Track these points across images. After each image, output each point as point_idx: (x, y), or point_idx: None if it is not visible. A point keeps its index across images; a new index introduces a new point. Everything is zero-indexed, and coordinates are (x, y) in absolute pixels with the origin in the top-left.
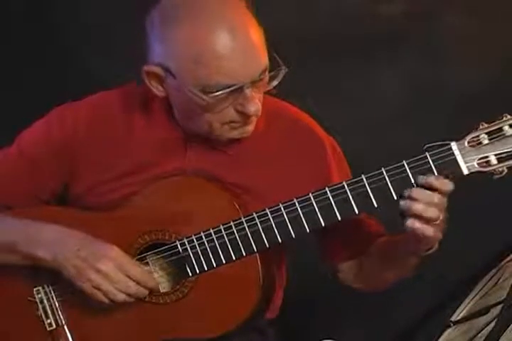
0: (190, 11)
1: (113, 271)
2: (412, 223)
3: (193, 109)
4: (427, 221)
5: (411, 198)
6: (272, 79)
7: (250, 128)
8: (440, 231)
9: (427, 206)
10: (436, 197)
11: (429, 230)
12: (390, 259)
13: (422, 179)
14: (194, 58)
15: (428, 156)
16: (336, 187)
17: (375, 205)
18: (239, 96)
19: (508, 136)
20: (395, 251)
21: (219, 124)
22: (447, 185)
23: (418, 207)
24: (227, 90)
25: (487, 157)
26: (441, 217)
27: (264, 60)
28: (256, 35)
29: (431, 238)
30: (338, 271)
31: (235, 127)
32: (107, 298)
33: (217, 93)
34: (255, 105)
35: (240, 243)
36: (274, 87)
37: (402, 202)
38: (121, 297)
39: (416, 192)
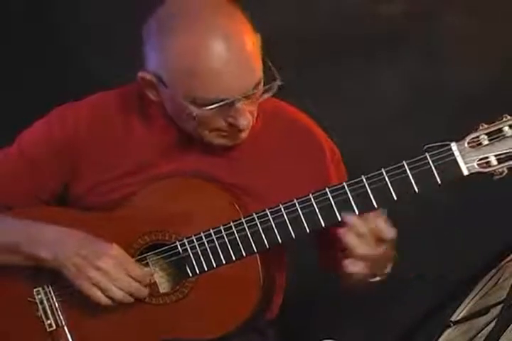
0: (184, 21)
1: (113, 269)
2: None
3: (183, 117)
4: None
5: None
6: (265, 91)
7: (243, 135)
8: (375, 267)
9: (359, 240)
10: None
11: (354, 266)
12: None
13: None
14: (186, 70)
15: (428, 157)
16: (336, 187)
17: (375, 206)
18: (230, 110)
19: (508, 137)
20: None
21: (207, 132)
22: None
23: (351, 241)
24: (218, 105)
25: (487, 158)
26: (372, 253)
27: (258, 73)
28: (251, 46)
29: (357, 274)
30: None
31: (223, 135)
32: (105, 296)
33: (208, 107)
34: (246, 119)
35: (240, 243)
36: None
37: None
38: (119, 295)
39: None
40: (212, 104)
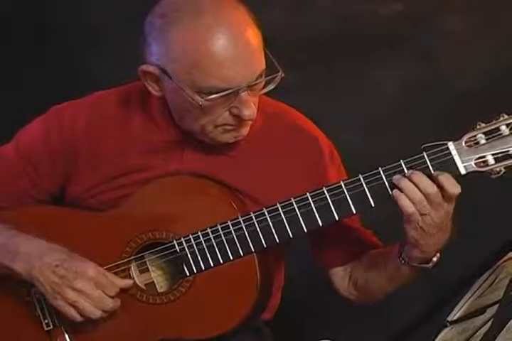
0: (189, 13)
1: (90, 290)
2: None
3: (187, 110)
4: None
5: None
6: (268, 83)
7: (244, 131)
8: (429, 236)
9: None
10: (431, 188)
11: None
12: (379, 270)
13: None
14: (191, 61)
15: (425, 156)
16: (333, 186)
17: (373, 205)
18: (234, 100)
19: (505, 136)
20: (385, 262)
21: (212, 127)
22: (454, 187)
23: (408, 186)
24: (223, 93)
25: (484, 157)
26: (432, 214)
27: (262, 64)
28: (254, 38)
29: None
30: (331, 279)
31: (228, 130)
32: (80, 315)
33: (213, 96)
34: (250, 109)
35: (237, 242)
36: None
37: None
38: (97, 314)
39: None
40: (218, 93)
